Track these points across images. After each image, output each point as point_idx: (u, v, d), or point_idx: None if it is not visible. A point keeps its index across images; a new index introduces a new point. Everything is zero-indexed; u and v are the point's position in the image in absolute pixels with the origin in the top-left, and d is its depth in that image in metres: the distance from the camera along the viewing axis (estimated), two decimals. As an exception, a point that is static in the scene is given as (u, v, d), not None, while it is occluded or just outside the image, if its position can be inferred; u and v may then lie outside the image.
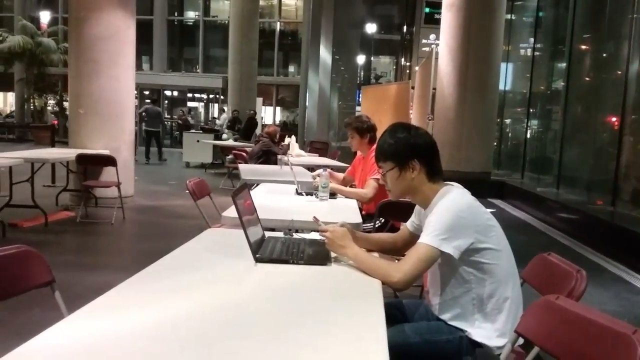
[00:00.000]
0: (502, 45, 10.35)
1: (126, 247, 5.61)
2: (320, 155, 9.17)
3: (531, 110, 11.19)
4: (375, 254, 2.02)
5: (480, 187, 9.60)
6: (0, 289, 1.61)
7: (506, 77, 12.15)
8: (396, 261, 1.92)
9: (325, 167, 3.72)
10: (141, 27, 23.35)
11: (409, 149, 1.89)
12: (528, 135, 11.07)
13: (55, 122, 20.18)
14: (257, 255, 1.86)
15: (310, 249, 1.99)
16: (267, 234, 2.18)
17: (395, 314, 2.03)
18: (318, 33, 19.01)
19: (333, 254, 1.93)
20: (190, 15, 24.60)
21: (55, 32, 20.78)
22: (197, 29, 23.65)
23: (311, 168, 5.37)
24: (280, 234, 2.26)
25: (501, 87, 11.22)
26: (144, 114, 14.14)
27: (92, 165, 6.82)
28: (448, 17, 10.07)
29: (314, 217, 2.04)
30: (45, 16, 21.77)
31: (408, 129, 1.95)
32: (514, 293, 1.77)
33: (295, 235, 2.26)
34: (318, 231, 2.00)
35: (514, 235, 7.13)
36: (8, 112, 24.11)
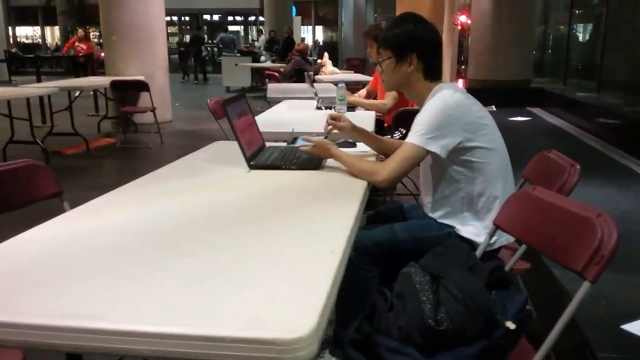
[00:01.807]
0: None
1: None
2: (356, 72, 9.02)
3: (575, 12, 10.48)
4: (371, 158, 2.03)
5: (519, 95, 9.30)
6: (8, 200, 1.72)
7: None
8: None
9: (347, 82, 3.68)
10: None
11: (411, 42, 1.84)
12: (571, 40, 10.44)
13: (100, 53, 20.50)
14: (251, 163, 1.91)
15: (305, 155, 2.01)
16: (268, 144, 2.22)
17: (395, 215, 2.07)
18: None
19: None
20: None
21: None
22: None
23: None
24: (282, 144, 2.29)
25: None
26: (220, 43, 14.82)
27: (127, 92, 6.97)
28: None
29: (292, 129, 2.05)
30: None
31: (416, 21, 1.88)
32: (504, 192, 1.76)
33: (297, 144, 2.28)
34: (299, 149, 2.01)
35: (545, 142, 6.98)
36: (55, 45, 24.61)
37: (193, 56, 16.18)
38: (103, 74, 8.01)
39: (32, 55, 18.10)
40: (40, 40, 25.21)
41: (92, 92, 8.45)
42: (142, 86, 6.30)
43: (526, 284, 2.49)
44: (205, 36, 21.27)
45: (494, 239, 1.74)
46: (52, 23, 23.80)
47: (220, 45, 15.75)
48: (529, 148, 6.45)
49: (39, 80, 8.73)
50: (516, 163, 2.04)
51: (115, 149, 6.40)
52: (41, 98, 6.84)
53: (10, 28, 19.48)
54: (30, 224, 1.31)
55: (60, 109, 6.59)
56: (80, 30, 12.79)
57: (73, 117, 6.46)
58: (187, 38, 16.53)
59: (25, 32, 25.80)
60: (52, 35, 25.46)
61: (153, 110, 6.36)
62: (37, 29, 25.23)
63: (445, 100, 1.75)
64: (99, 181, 4.91)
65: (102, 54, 8.99)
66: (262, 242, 1.20)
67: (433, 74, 1.87)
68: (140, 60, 7.35)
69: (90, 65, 12.45)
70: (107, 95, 7.29)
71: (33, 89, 5.97)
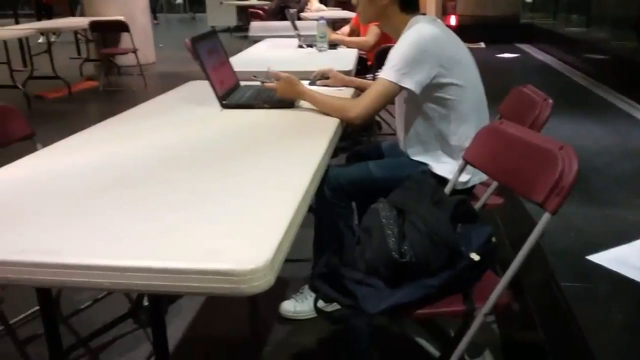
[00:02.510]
0: None
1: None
2: (343, 9, 8.78)
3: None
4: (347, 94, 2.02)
5: (508, 31, 9.13)
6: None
7: None
8: None
9: (328, 19, 3.60)
10: None
11: None
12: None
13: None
14: (223, 102, 1.89)
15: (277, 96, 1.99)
16: (243, 83, 2.19)
17: (372, 154, 2.07)
18: None
19: None
20: None
21: None
22: None
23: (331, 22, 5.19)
24: (257, 83, 2.26)
25: None
26: None
27: (108, 33, 6.79)
28: None
29: (268, 67, 2.02)
30: None
31: None
32: (478, 129, 1.75)
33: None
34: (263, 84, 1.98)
35: (532, 79, 6.95)
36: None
37: None
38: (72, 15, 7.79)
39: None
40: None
41: (73, 34, 8.22)
42: (122, 27, 6.13)
43: (501, 218, 2.54)
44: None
45: (467, 176, 1.75)
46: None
47: None
48: (513, 85, 6.38)
49: (17, 22, 8.47)
50: (499, 99, 2.04)
51: (98, 92, 6.30)
52: (20, 41, 6.66)
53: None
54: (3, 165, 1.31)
55: (41, 51, 6.43)
56: None
57: (53, 60, 6.31)
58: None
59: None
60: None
61: (134, 51, 6.22)
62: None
63: (421, 33, 1.72)
64: (81, 126, 4.81)
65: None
66: (226, 179, 1.21)
67: (410, 6, 1.83)
68: (119, 1, 7.12)
69: (51, 6, 11.60)
70: (87, 37, 7.10)
71: (10, 31, 5.80)
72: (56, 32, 6.58)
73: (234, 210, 1.04)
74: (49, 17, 10.10)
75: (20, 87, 5.50)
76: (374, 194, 1.82)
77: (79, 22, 6.84)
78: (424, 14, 1.84)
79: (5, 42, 5.61)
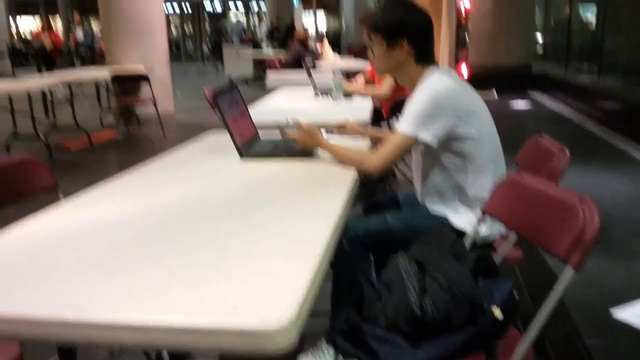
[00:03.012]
0: None
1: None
2: (356, 59, 8.97)
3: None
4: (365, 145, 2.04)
5: (520, 79, 9.24)
6: (3, 194, 1.74)
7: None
8: None
9: (344, 69, 3.68)
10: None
11: (401, 27, 1.82)
12: (572, 23, 10.34)
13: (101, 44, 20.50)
14: (243, 152, 1.92)
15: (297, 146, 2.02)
16: (262, 132, 2.22)
17: (389, 205, 2.07)
18: None
19: None
20: None
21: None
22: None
23: (345, 71, 5.31)
24: (276, 133, 2.30)
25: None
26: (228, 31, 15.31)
27: (128, 83, 6.98)
28: None
29: (286, 118, 2.06)
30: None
31: (406, 5, 1.87)
32: (496, 180, 1.76)
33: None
34: (285, 133, 2.02)
35: (545, 127, 6.94)
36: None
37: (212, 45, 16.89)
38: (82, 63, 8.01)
39: (32, 52, 18.10)
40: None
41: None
42: (142, 77, 6.30)
43: (521, 272, 2.50)
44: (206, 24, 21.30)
45: (487, 230, 1.74)
46: (54, 12, 23.77)
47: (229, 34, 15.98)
48: (528, 134, 6.40)
49: (40, 72, 8.76)
50: (514, 149, 2.04)
51: (118, 142, 6.43)
52: (43, 91, 6.86)
53: (10, 18, 19.44)
54: (26, 217, 1.33)
55: (63, 101, 6.61)
56: (44, 21, 12.47)
57: (74, 109, 6.47)
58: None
59: (27, 23, 25.73)
60: (55, 25, 25.44)
61: (153, 101, 6.36)
62: (37, 18, 25.16)
63: (436, 86, 1.74)
64: (101, 175, 4.89)
65: (102, 45, 8.98)
66: (246, 232, 1.21)
67: (425, 58, 1.86)
68: (139, 52, 7.35)
69: (54, 57, 11.49)
70: (108, 87, 7.30)
71: (34, 82, 5.99)
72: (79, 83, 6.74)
73: (256, 264, 1.04)
74: (51, 69, 10.28)
75: (43, 137, 5.63)
76: (392, 246, 1.82)
77: (101, 73, 7.05)
78: (438, 66, 1.87)
79: (28, 94, 5.79)
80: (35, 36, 12.48)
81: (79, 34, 12.06)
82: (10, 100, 5.59)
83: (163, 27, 7.80)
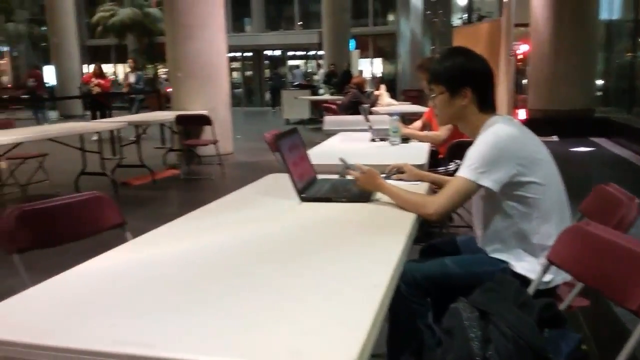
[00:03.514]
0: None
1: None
2: (413, 104, 9.00)
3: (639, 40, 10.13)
4: (422, 190, 2.03)
5: (582, 125, 9.00)
6: (76, 230, 1.83)
7: (612, 5, 11.07)
8: None
9: (398, 114, 3.70)
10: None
11: (463, 75, 1.83)
12: (636, 68, 10.05)
13: (168, 89, 21.48)
14: (302, 195, 1.95)
15: (356, 188, 2.04)
16: (320, 176, 2.26)
17: (447, 249, 2.05)
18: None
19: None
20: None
21: (161, 2, 21.87)
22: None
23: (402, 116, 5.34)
24: (334, 177, 2.33)
25: (606, 16, 10.24)
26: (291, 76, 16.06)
27: (191, 125, 7.26)
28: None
29: (340, 158, 2.08)
30: (152, -13, 22.91)
31: (466, 54, 1.88)
32: (560, 229, 1.71)
33: (349, 177, 2.30)
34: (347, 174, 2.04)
35: (609, 173, 6.67)
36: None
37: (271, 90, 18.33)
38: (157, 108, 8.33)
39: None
40: (113, 76, 26.72)
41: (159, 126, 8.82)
42: (205, 120, 6.55)
43: (586, 321, 2.38)
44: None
45: (550, 276, 1.69)
46: (124, 61, 25.20)
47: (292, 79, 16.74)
48: (592, 180, 6.23)
49: (110, 115, 9.23)
50: (577, 196, 1.99)
51: (179, 180, 6.66)
52: (111, 131, 7.23)
53: (85, 66, 20.76)
54: (95, 252, 1.39)
55: (130, 142, 6.93)
56: (96, 66, 11.28)
57: (140, 149, 6.77)
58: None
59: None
60: (124, 71, 26.89)
61: (215, 142, 6.57)
62: (111, 66, 26.75)
63: (498, 133, 1.74)
64: (163, 211, 5.11)
65: (169, 90, 9.40)
66: (307, 274, 1.23)
67: (487, 106, 1.86)
68: (203, 95, 7.67)
69: (106, 103, 11.00)
70: (172, 128, 7.61)
71: (103, 124, 6.34)
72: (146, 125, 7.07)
73: (317, 307, 1.05)
74: (104, 116, 10.00)
75: (109, 174, 5.90)
76: (450, 291, 1.78)
77: (167, 115, 7.37)
78: (500, 114, 1.86)
79: (99, 134, 6.13)
80: (84, 81, 12.11)
81: (132, 78, 12.23)
82: (82, 139, 5.92)
83: (226, 73, 8.14)
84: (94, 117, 10.06)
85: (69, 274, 1.27)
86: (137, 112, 10.83)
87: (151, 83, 22.17)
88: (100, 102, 10.81)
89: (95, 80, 10.80)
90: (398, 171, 2.27)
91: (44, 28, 21.79)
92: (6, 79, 25.78)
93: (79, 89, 16.85)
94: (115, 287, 1.20)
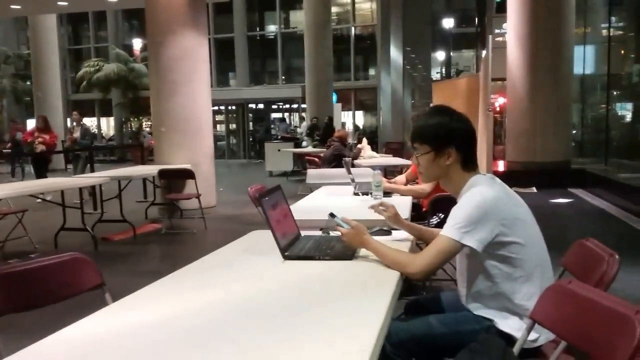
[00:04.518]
0: (573, 28, 9.87)
1: (204, 254, 5.94)
2: (394, 156, 9.14)
3: (612, 93, 10.52)
4: (405, 247, 2.04)
5: (559, 176, 9.18)
6: (54, 293, 1.79)
7: (584, 60, 11.52)
8: None
9: (380, 167, 3.75)
10: (224, 45, 24.16)
11: (448, 135, 1.85)
12: (610, 120, 10.39)
13: (152, 142, 21.53)
14: (285, 253, 1.94)
15: (339, 245, 2.03)
16: (304, 232, 2.25)
17: (432, 306, 2.03)
18: (388, 33, 18.94)
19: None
20: (271, 29, 25.25)
21: (146, 58, 22.23)
22: (276, 42, 24.29)
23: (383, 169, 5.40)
24: (318, 233, 2.33)
25: (579, 70, 10.62)
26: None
27: (174, 179, 7.25)
28: (514, 3, 9.85)
29: (330, 213, 2.07)
30: (137, 43, 23.36)
31: (450, 114, 1.90)
32: (542, 287, 1.71)
33: (332, 234, 2.31)
34: (336, 230, 2.04)
35: (588, 225, 6.74)
36: (110, 135, 26.08)
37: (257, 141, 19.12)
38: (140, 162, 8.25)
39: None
40: (96, 130, 26.79)
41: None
42: (188, 174, 6.55)
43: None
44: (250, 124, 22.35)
45: (535, 335, 1.68)
46: (108, 114, 25.35)
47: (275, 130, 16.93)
48: (571, 232, 6.30)
49: (92, 169, 9.16)
50: (558, 248, 2.00)
51: (161, 234, 6.58)
52: (93, 186, 7.17)
53: (69, 120, 20.83)
54: (73, 311, 1.35)
55: (111, 195, 6.87)
56: (39, 118, 9.97)
57: (122, 203, 6.72)
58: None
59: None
60: (108, 125, 27.00)
61: (198, 196, 6.55)
62: (94, 119, 26.84)
63: (484, 194, 1.75)
64: (143, 267, 5.03)
65: (152, 142, 9.40)
66: (290, 338, 1.21)
67: (470, 165, 1.88)
68: (187, 149, 7.70)
69: (47, 159, 9.83)
70: (154, 182, 7.58)
71: (85, 179, 6.30)
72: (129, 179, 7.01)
73: (300, 374, 1.03)
74: (44, 171, 9.21)
75: (90, 230, 5.82)
76: (436, 351, 1.77)
77: (150, 169, 7.36)
78: (482, 174, 1.89)
79: (80, 189, 6.08)
80: (24, 140, 10.33)
81: (76, 132, 10.12)
82: (63, 195, 5.87)
83: (210, 127, 8.22)
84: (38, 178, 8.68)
85: (45, 342, 1.23)
86: (82, 172, 9.22)
87: (134, 136, 22.29)
88: (43, 159, 9.58)
89: (39, 136, 9.40)
90: (381, 204, 2.24)
91: (28, 83, 21.94)
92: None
93: (62, 143, 16.77)
94: (94, 353, 1.16)
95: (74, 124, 10.61)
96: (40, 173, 9.21)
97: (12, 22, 25.23)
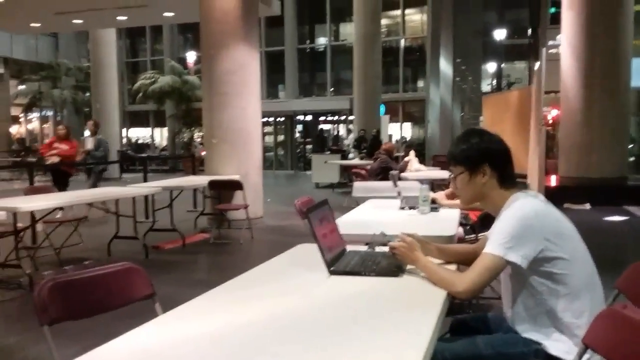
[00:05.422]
0: (632, 39, 9.51)
1: (250, 265, 6.02)
2: (442, 169, 9.01)
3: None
4: (452, 266, 2.01)
5: (615, 193, 8.80)
6: (106, 302, 1.85)
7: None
8: None
9: (427, 180, 3.72)
10: (274, 57, 24.56)
11: (481, 154, 1.87)
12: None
13: (203, 151, 21.98)
14: (331, 268, 1.95)
15: (385, 261, 2.03)
16: (349, 247, 2.26)
17: (478, 326, 2.00)
18: (437, 45, 18.82)
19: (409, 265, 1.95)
20: (321, 41, 25.45)
21: (199, 70, 22.81)
22: (325, 54, 24.47)
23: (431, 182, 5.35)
24: (363, 248, 2.32)
25: (638, 83, 10.21)
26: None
27: (223, 190, 7.39)
28: (569, 15, 9.56)
29: (381, 232, 2.08)
30: (191, 56, 23.97)
31: (481, 134, 1.94)
32: (593, 305, 1.66)
33: (377, 249, 2.30)
34: (388, 245, 2.03)
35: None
36: (163, 145, 26.87)
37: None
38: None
39: (142, 155, 19.53)
40: (150, 140, 27.64)
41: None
42: (237, 185, 6.67)
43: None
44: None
45: (586, 357, 1.63)
46: (162, 125, 26.11)
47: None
48: (626, 253, 6.00)
49: (145, 179, 9.42)
50: (612, 269, 1.93)
51: (209, 244, 6.72)
52: (146, 195, 7.40)
53: (125, 130, 21.60)
54: (124, 317, 1.39)
55: (163, 205, 7.06)
56: (60, 128, 8.90)
57: (173, 213, 6.89)
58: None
59: (138, 134, 28.38)
60: (161, 135, 27.81)
61: (246, 207, 6.65)
62: (149, 130, 27.72)
63: (524, 209, 1.73)
64: (192, 277, 5.15)
65: (203, 153, 9.60)
66: (335, 356, 1.21)
67: (507, 182, 1.87)
68: (236, 160, 7.84)
69: (68, 171, 8.57)
70: (204, 192, 7.74)
71: (138, 189, 6.50)
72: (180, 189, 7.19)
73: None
74: (64, 185, 8.13)
75: (141, 238, 6.00)
76: (483, 373, 1.73)
77: (200, 180, 7.53)
78: (524, 191, 1.86)
79: (133, 199, 6.29)
80: (42, 153, 9.00)
81: (89, 144, 9.18)
82: (117, 204, 6.09)
83: (259, 139, 8.35)
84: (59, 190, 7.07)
85: (99, 351, 1.27)
86: (94, 186, 8.38)
87: (186, 147, 22.86)
88: (63, 172, 8.42)
89: (55, 147, 8.36)
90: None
91: (87, 94, 22.88)
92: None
93: (117, 152, 17.28)
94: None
95: (89, 133, 9.56)
96: (59, 186, 7.85)
97: (74, 35, 26.43)
